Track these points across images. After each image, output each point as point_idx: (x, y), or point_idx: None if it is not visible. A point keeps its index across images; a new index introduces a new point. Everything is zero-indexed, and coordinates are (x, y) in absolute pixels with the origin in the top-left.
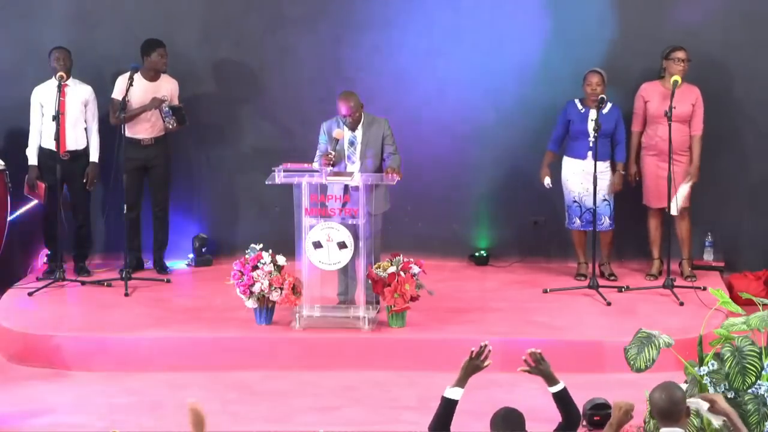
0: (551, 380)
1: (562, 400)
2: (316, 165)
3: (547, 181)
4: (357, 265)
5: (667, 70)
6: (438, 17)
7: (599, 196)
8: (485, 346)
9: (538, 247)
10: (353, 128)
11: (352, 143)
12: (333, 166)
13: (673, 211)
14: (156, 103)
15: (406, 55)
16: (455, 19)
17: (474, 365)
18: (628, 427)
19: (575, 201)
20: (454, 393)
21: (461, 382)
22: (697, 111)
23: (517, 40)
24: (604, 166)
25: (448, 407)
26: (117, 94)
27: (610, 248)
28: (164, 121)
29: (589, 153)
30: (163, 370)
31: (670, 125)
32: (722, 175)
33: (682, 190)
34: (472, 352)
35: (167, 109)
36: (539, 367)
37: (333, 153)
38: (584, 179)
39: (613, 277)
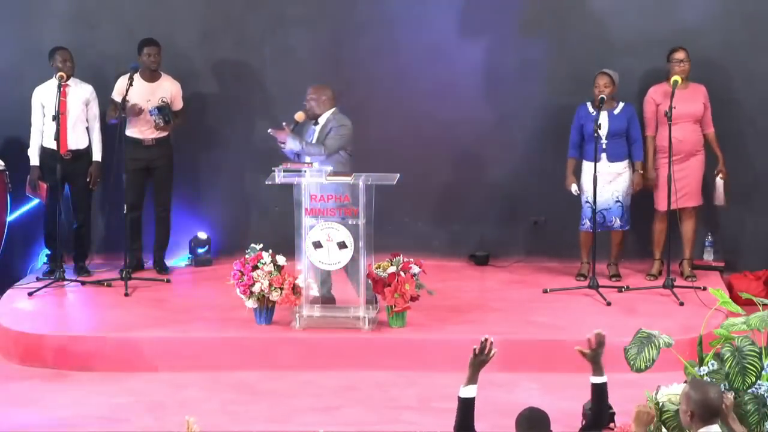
0: (598, 370)
1: (600, 394)
2: (316, 164)
3: (573, 188)
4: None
5: (670, 72)
6: (438, 17)
7: (612, 197)
8: (486, 339)
9: (538, 247)
10: (310, 117)
11: (310, 136)
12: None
13: (721, 202)
14: (135, 111)
15: (406, 55)
16: (455, 19)
17: (480, 360)
18: (628, 426)
19: (587, 202)
20: (468, 391)
21: (472, 379)
22: (708, 109)
23: (517, 40)
24: (621, 167)
25: (466, 406)
26: (116, 94)
27: (620, 249)
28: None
29: (603, 155)
30: (163, 370)
31: (669, 125)
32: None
33: (719, 186)
34: (474, 350)
35: (153, 108)
36: (597, 351)
37: (286, 125)
38: (597, 180)
39: (616, 278)
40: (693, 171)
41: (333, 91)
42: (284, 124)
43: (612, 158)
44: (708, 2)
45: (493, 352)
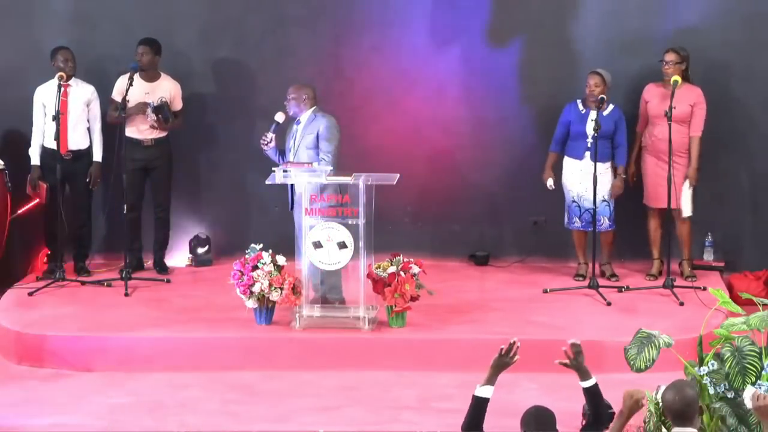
0: (584, 375)
1: (594, 396)
2: (316, 164)
3: (549, 182)
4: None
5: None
6: (438, 17)
7: (598, 197)
8: (514, 342)
9: (538, 247)
10: (290, 115)
11: (293, 136)
12: (281, 150)
13: (686, 213)
14: (141, 108)
15: (406, 55)
16: (455, 19)
17: (503, 362)
18: (628, 426)
19: (574, 201)
20: (484, 391)
21: (491, 380)
22: (696, 112)
23: (516, 40)
24: (603, 168)
25: (479, 406)
26: (116, 94)
27: (611, 249)
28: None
29: (587, 153)
30: (163, 370)
31: (670, 125)
32: (722, 175)
33: (684, 194)
34: (501, 349)
35: (151, 103)
36: (577, 360)
37: (271, 135)
38: (582, 179)
39: (614, 278)
40: (679, 173)
41: (313, 90)
42: (268, 135)
43: (598, 158)
44: (708, 2)
45: (516, 358)
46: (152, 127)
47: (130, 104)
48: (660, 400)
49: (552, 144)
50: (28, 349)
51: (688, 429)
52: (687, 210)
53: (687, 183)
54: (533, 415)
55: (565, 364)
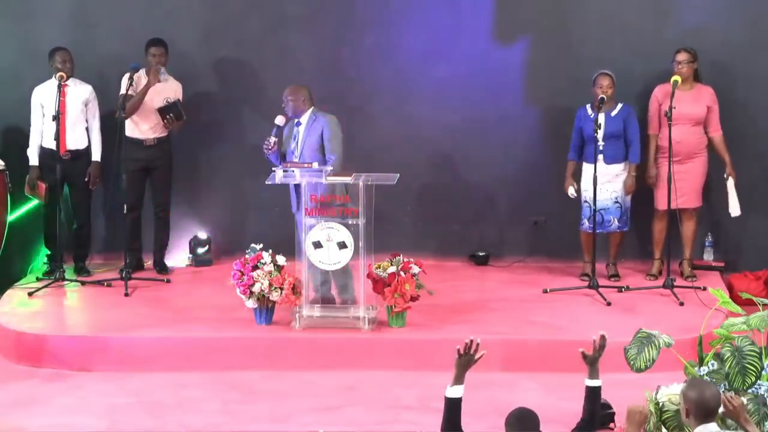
0: (595, 373)
1: (595, 397)
2: (315, 164)
3: (571, 191)
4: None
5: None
6: (438, 17)
7: (611, 198)
8: (472, 341)
9: (538, 247)
10: (290, 117)
11: (294, 137)
12: (280, 153)
13: (736, 212)
14: (155, 77)
15: (406, 55)
16: (455, 19)
17: (466, 360)
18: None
19: (586, 201)
20: (454, 392)
21: (458, 380)
22: (713, 111)
23: (517, 40)
24: (619, 168)
25: (452, 406)
26: (124, 91)
27: (618, 249)
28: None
29: (601, 156)
30: (163, 370)
31: (670, 125)
32: (722, 175)
33: (731, 192)
34: (458, 350)
35: (161, 73)
36: (598, 354)
37: (274, 139)
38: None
39: (615, 278)
40: (693, 172)
41: (309, 90)
42: (271, 140)
43: (609, 160)
44: (710, 3)
45: (480, 354)
46: (165, 126)
47: (136, 103)
48: (664, 401)
49: (570, 152)
50: (28, 349)
51: (711, 425)
52: (737, 209)
53: (731, 182)
54: (516, 417)
55: (585, 355)
